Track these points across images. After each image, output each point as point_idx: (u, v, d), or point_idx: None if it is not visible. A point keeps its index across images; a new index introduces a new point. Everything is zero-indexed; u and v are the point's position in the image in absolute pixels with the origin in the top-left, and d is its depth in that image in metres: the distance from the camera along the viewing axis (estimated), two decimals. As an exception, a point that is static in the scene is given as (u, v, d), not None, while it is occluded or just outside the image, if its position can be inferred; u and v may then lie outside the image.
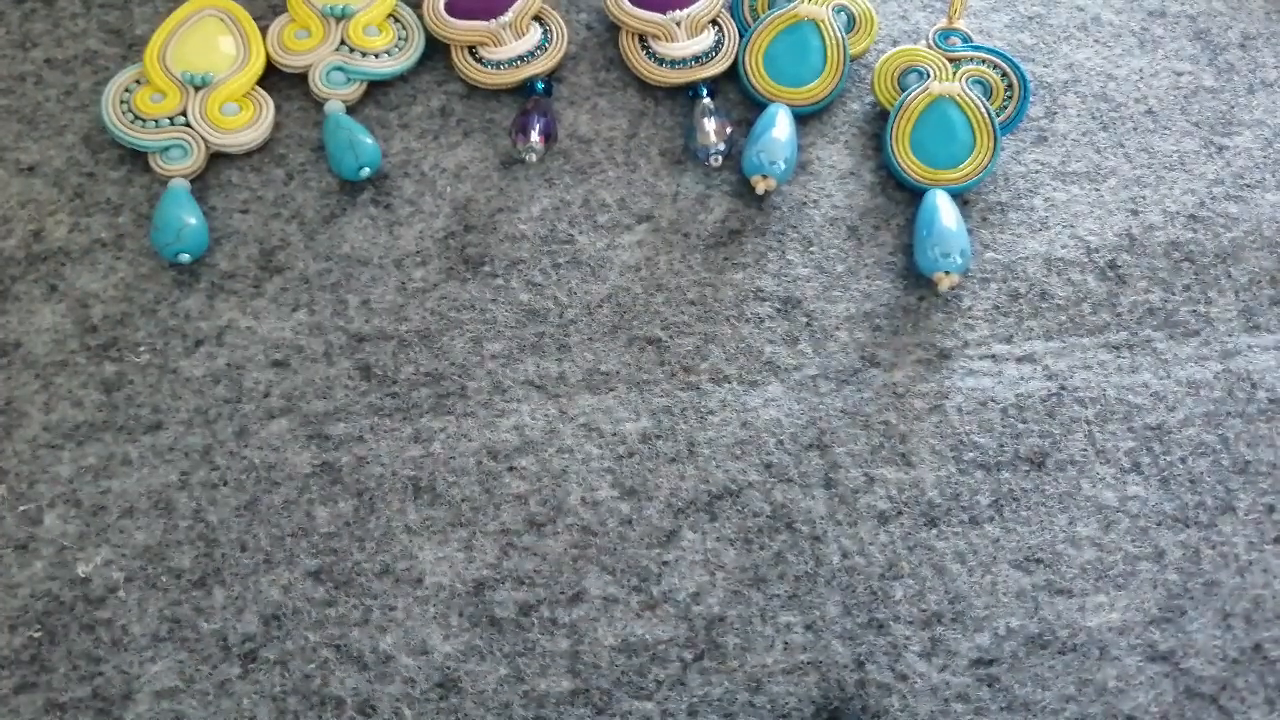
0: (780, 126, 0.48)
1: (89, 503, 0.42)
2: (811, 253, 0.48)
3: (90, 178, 0.48)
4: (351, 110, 0.51)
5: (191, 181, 0.48)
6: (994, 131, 0.49)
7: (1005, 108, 0.50)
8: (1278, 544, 0.42)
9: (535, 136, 0.48)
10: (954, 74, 0.50)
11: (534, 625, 0.39)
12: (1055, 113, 0.52)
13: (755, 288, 0.47)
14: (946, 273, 0.45)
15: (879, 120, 0.51)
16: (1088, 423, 0.44)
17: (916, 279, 0.47)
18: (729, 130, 0.49)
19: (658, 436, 0.43)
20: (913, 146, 0.49)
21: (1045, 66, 0.53)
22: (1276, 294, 0.47)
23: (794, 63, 0.51)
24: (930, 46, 0.51)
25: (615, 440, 0.43)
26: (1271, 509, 0.43)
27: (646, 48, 0.52)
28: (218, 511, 0.42)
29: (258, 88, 0.50)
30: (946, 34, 0.52)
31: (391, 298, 0.46)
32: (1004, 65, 0.50)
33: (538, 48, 0.51)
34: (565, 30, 0.52)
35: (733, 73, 0.52)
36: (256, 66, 0.50)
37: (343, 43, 0.51)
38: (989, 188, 0.50)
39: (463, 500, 0.42)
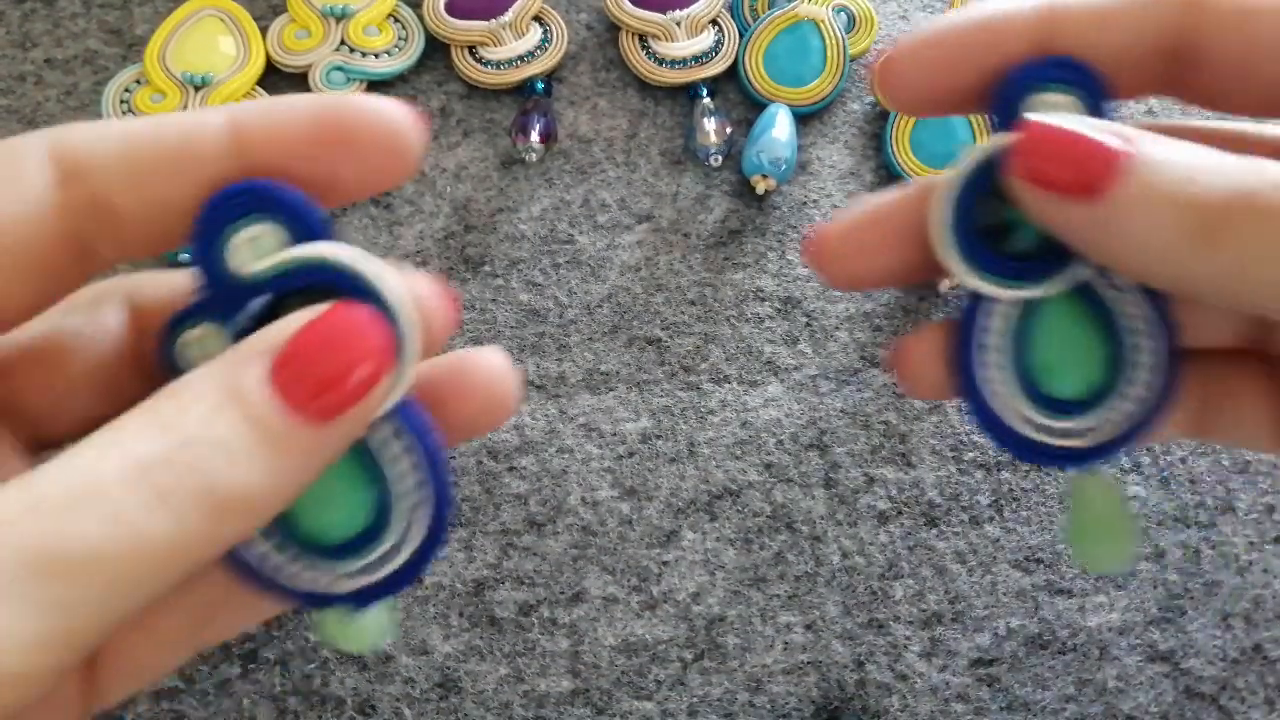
0: (780, 126, 0.48)
1: (89, 503, 0.41)
2: (811, 253, 0.48)
3: (90, 178, 0.48)
4: (351, 110, 0.51)
5: (191, 181, 0.48)
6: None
7: (1005, 108, 0.50)
8: (1278, 544, 0.42)
9: (535, 136, 0.48)
10: (954, 74, 0.50)
11: (534, 625, 0.39)
12: (1055, 113, 0.52)
13: (755, 288, 0.47)
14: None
15: (879, 120, 0.51)
16: (1088, 423, 0.44)
17: (916, 279, 0.47)
18: (729, 130, 0.49)
19: (658, 436, 0.43)
20: (913, 146, 0.49)
21: (1045, 66, 0.53)
22: (1276, 294, 0.47)
23: (794, 63, 0.51)
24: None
25: (615, 440, 0.43)
26: (1271, 509, 0.43)
27: (646, 48, 0.52)
28: (218, 511, 0.42)
29: (257, 88, 0.50)
30: (946, 34, 0.52)
31: (391, 298, 0.46)
32: (1004, 65, 0.50)
33: (538, 48, 0.51)
34: (565, 30, 0.52)
35: (733, 73, 0.52)
36: (256, 66, 0.50)
37: (342, 42, 0.51)
38: (989, 188, 0.50)
39: (462, 500, 0.42)
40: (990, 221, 0.31)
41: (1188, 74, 0.28)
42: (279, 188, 0.27)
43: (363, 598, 0.29)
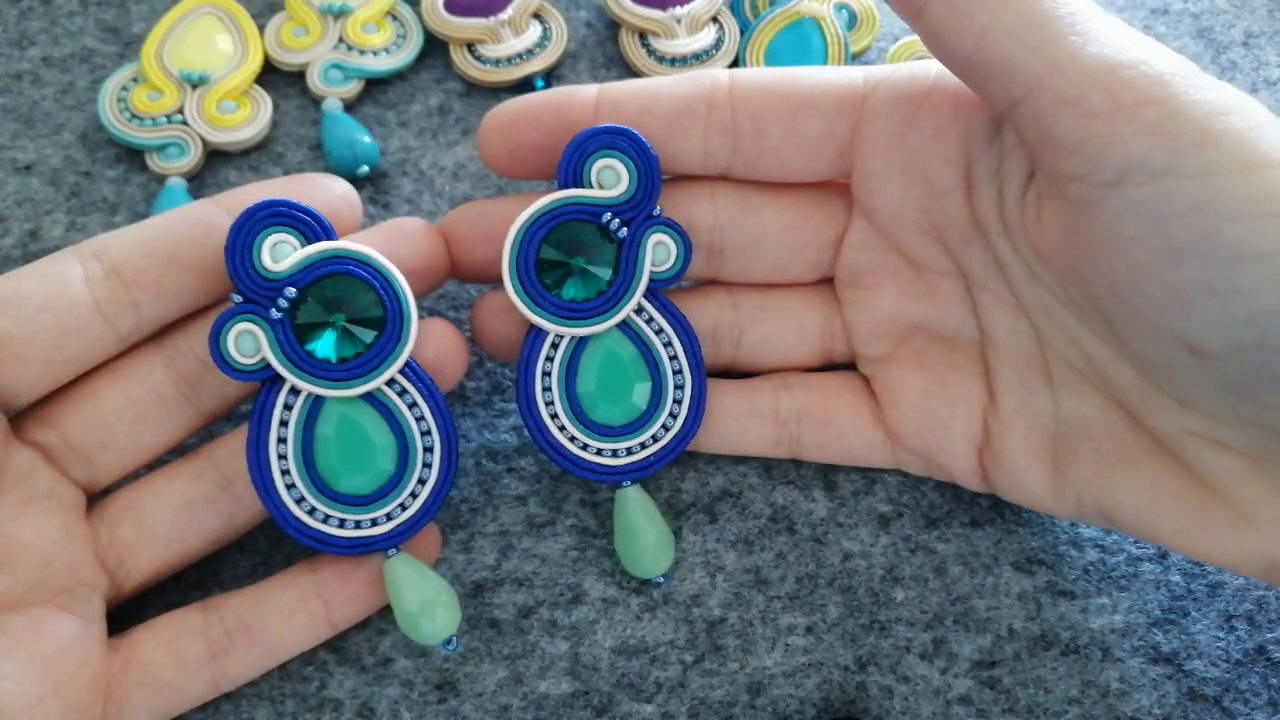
0: (781, 125, 0.48)
1: (86, 504, 0.41)
2: (812, 252, 0.47)
3: (87, 176, 0.48)
4: (350, 108, 0.50)
5: (189, 180, 0.48)
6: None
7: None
8: (1281, 545, 0.42)
9: (534, 135, 0.48)
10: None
11: (533, 627, 0.39)
12: (1058, 111, 0.51)
13: (756, 287, 0.46)
14: None
15: (880, 118, 0.51)
16: (1090, 423, 0.44)
17: (918, 278, 0.47)
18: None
19: (658, 437, 0.43)
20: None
21: (1048, 64, 0.53)
22: None
23: (795, 60, 0.50)
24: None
25: (615, 441, 0.43)
26: (1275, 510, 0.42)
27: (647, 45, 0.51)
28: (215, 513, 0.41)
29: (255, 85, 0.50)
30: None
31: (390, 297, 0.46)
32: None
33: (537, 45, 0.51)
34: (564, 27, 0.52)
35: (733, 70, 0.51)
36: (254, 64, 0.50)
37: (341, 40, 0.51)
38: (991, 186, 0.50)
39: (461, 501, 0.42)
40: (553, 259, 0.37)
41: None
42: (294, 204, 0.35)
43: (399, 535, 0.36)
